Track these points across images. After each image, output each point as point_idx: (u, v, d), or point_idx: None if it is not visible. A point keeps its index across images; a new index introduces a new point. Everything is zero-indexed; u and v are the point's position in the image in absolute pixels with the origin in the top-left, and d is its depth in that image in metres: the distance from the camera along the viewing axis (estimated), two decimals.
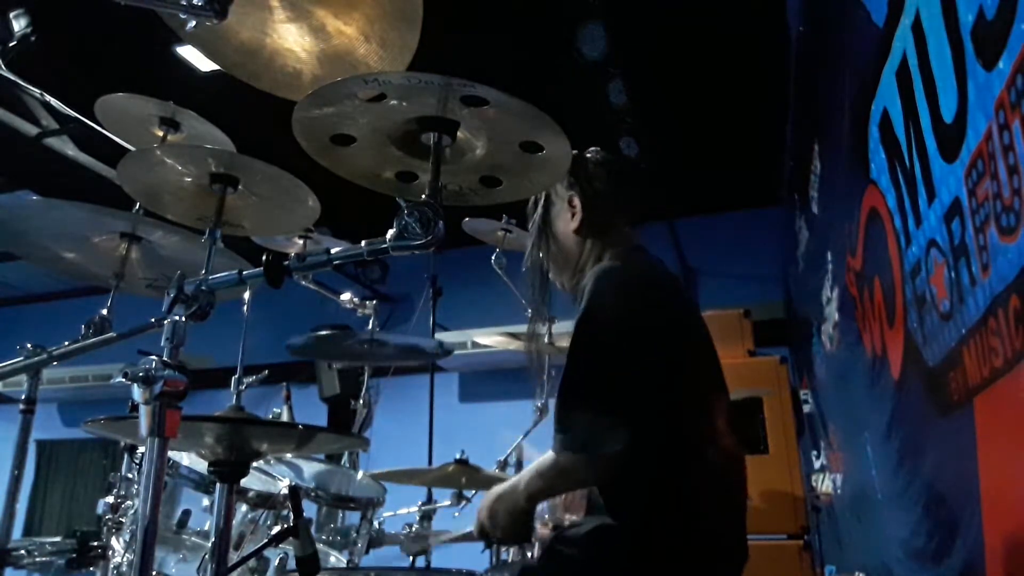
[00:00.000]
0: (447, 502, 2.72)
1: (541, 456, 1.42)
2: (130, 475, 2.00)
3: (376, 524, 2.33)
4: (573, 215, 1.61)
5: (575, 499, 1.67)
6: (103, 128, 2.07)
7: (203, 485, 1.93)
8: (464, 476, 2.45)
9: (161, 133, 2.13)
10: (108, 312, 1.77)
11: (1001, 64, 1.14)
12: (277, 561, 1.80)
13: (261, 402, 2.89)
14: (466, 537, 2.12)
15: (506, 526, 1.45)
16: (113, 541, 1.90)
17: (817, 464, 4.37)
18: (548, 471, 1.39)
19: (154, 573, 1.04)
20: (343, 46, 1.40)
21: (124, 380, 1.00)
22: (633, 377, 1.34)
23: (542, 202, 1.67)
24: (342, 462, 2.58)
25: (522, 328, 2.73)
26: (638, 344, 1.37)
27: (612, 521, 1.37)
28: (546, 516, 1.93)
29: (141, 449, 1.87)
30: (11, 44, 1.81)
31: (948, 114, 1.42)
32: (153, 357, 1.02)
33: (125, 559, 1.84)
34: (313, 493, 2.18)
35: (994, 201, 1.22)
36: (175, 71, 4.33)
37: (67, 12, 3.62)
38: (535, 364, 2.54)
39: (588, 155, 1.68)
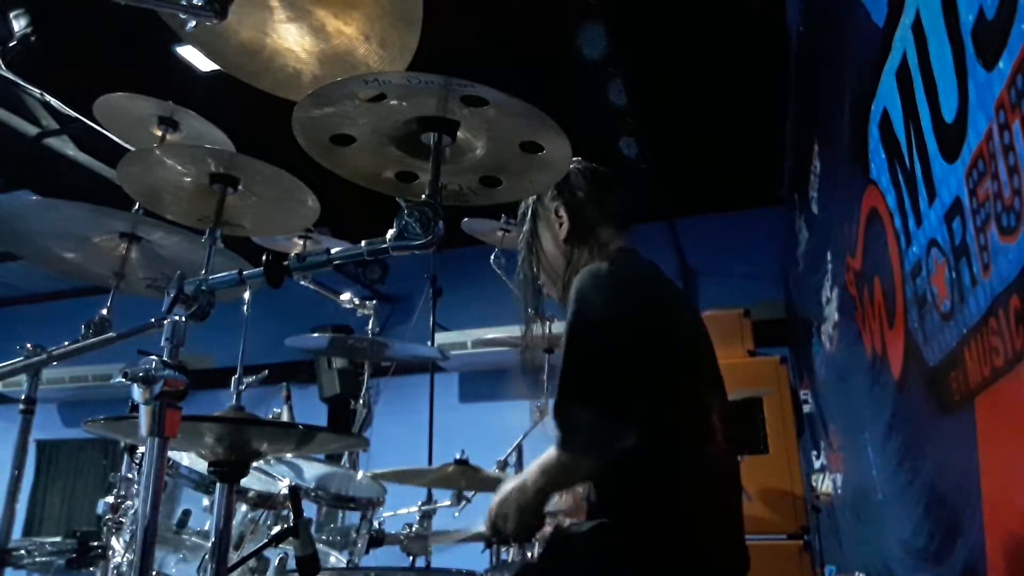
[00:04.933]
0: (447, 502, 2.72)
1: (544, 453, 1.45)
2: (130, 475, 2.00)
3: (376, 524, 2.33)
4: (560, 225, 1.64)
5: (577, 503, 1.67)
6: (103, 128, 2.07)
7: (203, 485, 1.93)
8: (464, 476, 2.45)
9: (160, 133, 2.13)
10: (108, 312, 1.77)
11: (1001, 64, 1.14)
12: (277, 561, 1.80)
13: (261, 402, 2.89)
14: (477, 537, 2.13)
15: (518, 524, 1.49)
16: (113, 541, 1.90)
17: (817, 464, 4.37)
18: (551, 468, 1.42)
19: (154, 573, 1.04)
20: (343, 46, 1.40)
21: (124, 380, 1.00)
22: (623, 371, 1.36)
23: (529, 215, 1.70)
24: (342, 462, 2.58)
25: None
26: (626, 339, 1.39)
27: (611, 520, 1.37)
28: (547, 518, 1.92)
29: (141, 449, 1.87)
30: (11, 44, 1.81)
31: (948, 114, 1.42)
32: (153, 357, 1.02)
33: (125, 559, 1.83)
34: (313, 493, 2.18)
35: (994, 201, 1.22)
36: (175, 71, 4.32)
37: (67, 12, 3.62)
38: (530, 369, 2.57)
39: (569, 165, 1.69)
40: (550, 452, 1.42)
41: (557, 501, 1.81)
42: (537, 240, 1.69)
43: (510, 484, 1.52)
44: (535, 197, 1.70)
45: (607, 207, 1.67)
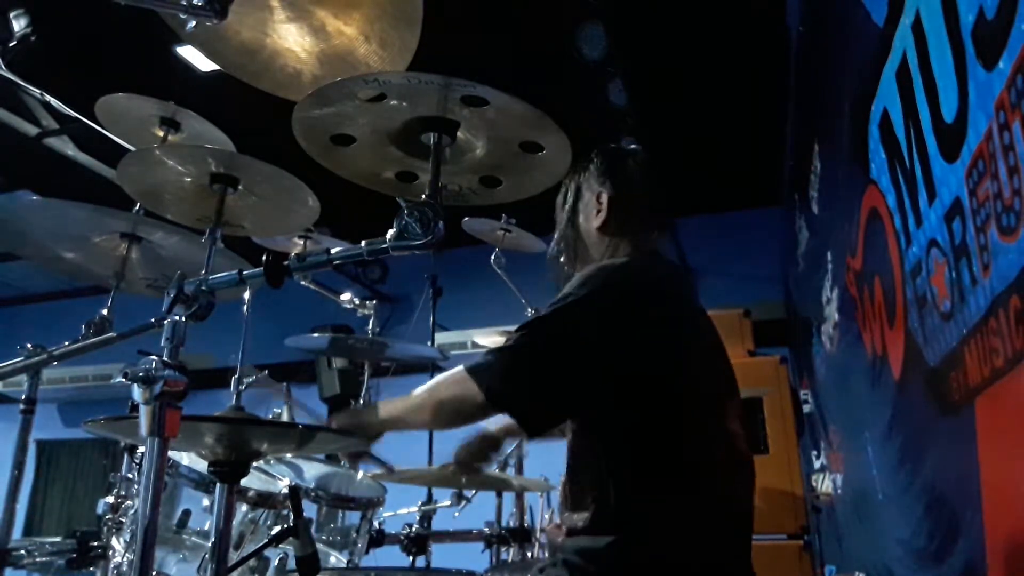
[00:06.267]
0: (447, 502, 2.72)
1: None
2: (130, 475, 2.00)
3: (376, 524, 2.33)
4: (598, 211, 1.55)
5: (582, 499, 1.64)
6: (103, 128, 2.07)
7: (203, 485, 1.93)
8: (464, 476, 2.44)
9: (161, 133, 2.13)
10: (108, 312, 1.77)
11: (1001, 64, 1.14)
12: (277, 561, 1.80)
13: (261, 402, 2.89)
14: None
15: (352, 421, 1.54)
16: (113, 541, 1.90)
17: (817, 464, 4.37)
18: (450, 382, 1.39)
19: (154, 573, 1.04)
20: (343, 46, 1.40)
21: (124, 380, 1.00)
22: (578, 367, 1.32)
23: (572, 191, 1.62)
24: (342, 462, 2.57)
25: None
26: (603, 338, 1.33)
27: (622, 534, 1.33)
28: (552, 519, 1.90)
29: (141, 449, 1.87)
30: (11, 44, 1.81)
31: (949, 114, 1.42)
32: (153, 357, 1.01)
33: (125, 559, 1.83)
34: (313, 493, 2.18)
35: (994, 201, 1.22)
36: (175, 71, 4.32)
37: (67, 12, 3.62)
38: None
39: (629, 152, 1.63)
40: (458, 370, 1.37)
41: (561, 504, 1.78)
42: (575, 219, 1.60)
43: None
44: (583, 171, 1.60)
45: (652, 206, 1.59)
